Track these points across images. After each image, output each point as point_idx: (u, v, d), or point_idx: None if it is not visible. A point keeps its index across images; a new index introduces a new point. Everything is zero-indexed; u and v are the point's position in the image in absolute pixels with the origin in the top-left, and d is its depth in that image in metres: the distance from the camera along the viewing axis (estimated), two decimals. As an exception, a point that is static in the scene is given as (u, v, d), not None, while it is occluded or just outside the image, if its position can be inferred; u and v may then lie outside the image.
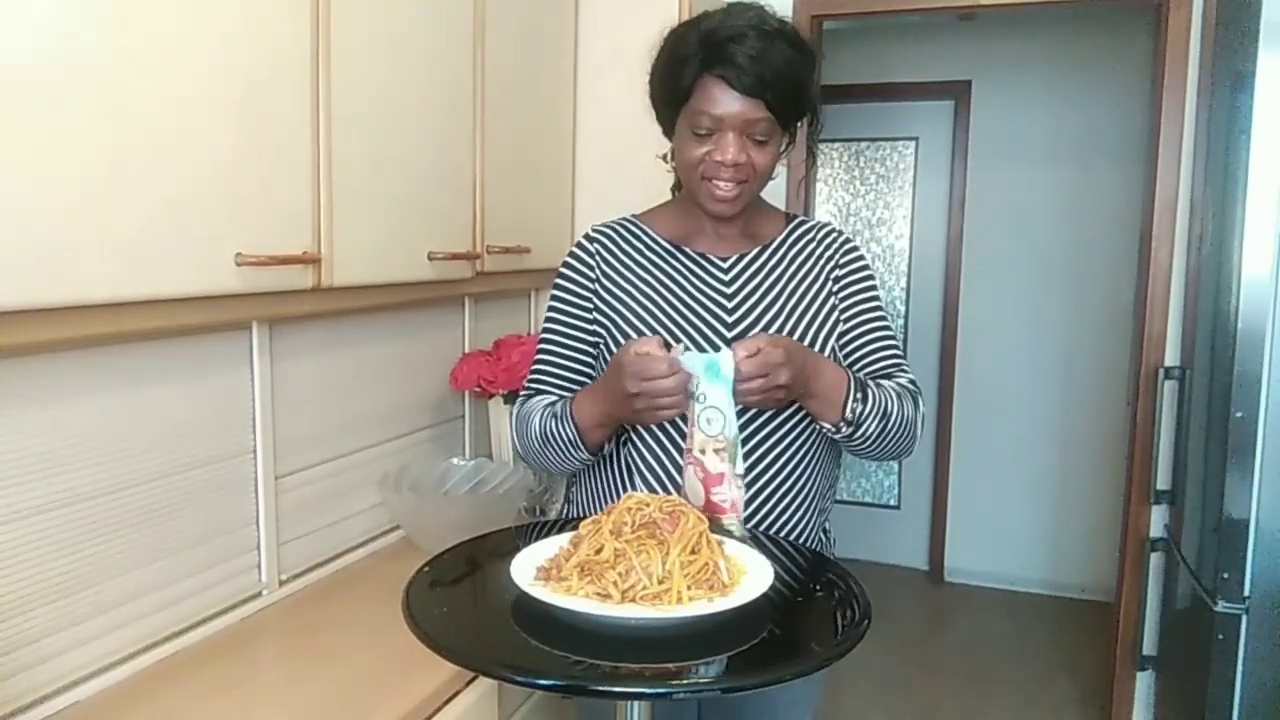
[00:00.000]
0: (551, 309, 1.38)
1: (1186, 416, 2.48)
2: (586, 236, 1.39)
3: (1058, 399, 4.16)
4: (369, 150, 1.44)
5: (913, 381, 1.34)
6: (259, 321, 1.48)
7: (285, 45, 1.25)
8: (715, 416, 1.08)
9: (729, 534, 1.10)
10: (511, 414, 1.36)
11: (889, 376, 1.33)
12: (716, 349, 1.25)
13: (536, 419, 1.29)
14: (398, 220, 1.53)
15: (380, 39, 1.45)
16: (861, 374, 1.32)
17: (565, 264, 1.38)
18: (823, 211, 4.47)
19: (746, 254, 1.35)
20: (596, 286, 1.34)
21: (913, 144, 4.33)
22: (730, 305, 1.30)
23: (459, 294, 1.85)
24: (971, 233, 4.20)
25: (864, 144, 4.38)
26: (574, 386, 1.33)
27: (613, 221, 1.40)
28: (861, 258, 1.41)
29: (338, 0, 1.33)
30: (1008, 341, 4.20)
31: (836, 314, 1.34)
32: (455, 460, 1.93)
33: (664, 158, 1.38)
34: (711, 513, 1.11)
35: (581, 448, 1.25)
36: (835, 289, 1.36)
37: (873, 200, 4.43)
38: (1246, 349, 1.96)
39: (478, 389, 1.97)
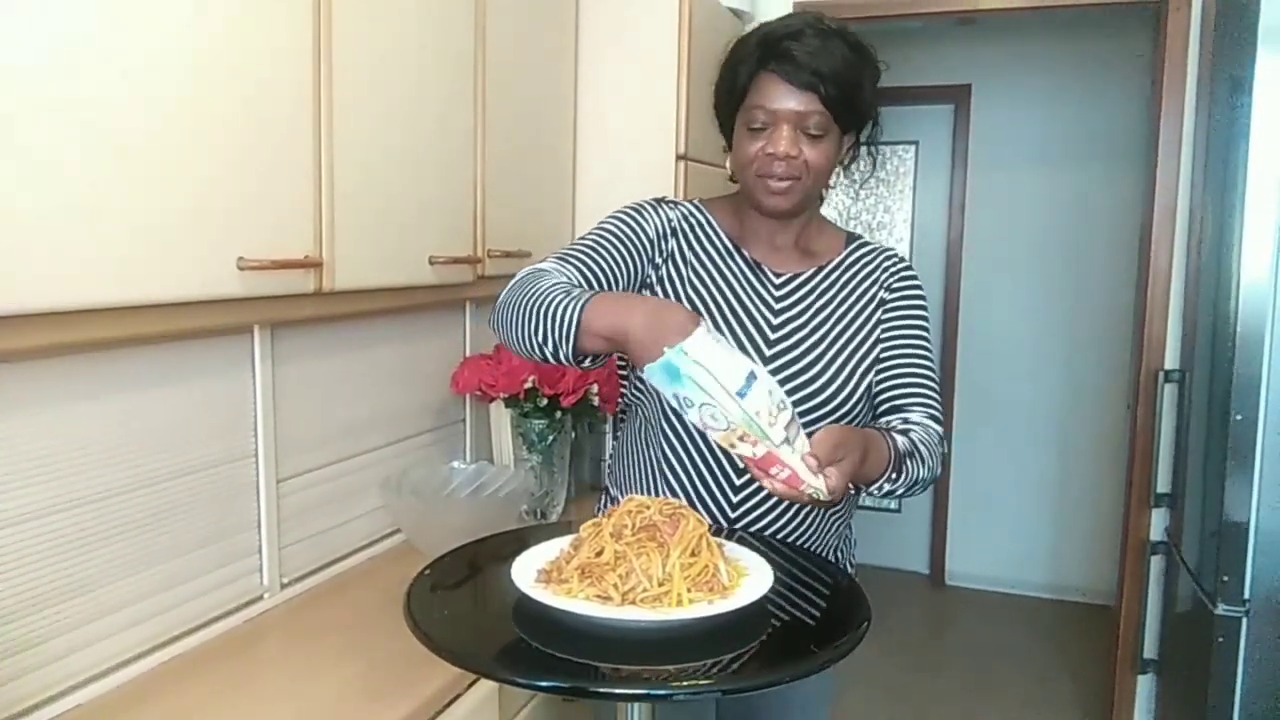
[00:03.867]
0: (622, 221, 1.30)
1: (1186, 419, 2.49)
2: (666, 202, 1.35)
3: (1058, 402, 4.16)
4: (370, 154, 1.44)
5: (939, 422, 1.29)
6: (260, 325, 1.49)
7: (286, 51, 1.25)
8: (715, 412, 0.95)
9: (815, 500, 1.00)
10: (517, 274, 1.17)
11: (912, 410, 1.27)
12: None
13: (547, 282, 1.12)
14: (399, 224, 1.53)
15: (381, 44, 1.45)
16: (888, 402, 1.28)
17: (647, 209, 1.32)
18: (824, 214, 4.47)
19: (801, 274, 1.33)
20: (667, 258, 1.31)
21: (913, 148, 4.34)
22: (776, 322, 1.29)
23: (460, 298, 1.86)
24: (972, 236, 4.21)
25: (864, 147, 4.38)
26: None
27: (683, 202, 1.37)
28: (915, 284, 1.37)
29: (339, 5, 1.33)
30: (1008, 345, 4.21)
31: (878, 348, 1.31)
32: (456, 464, 1.93)
33: (726, 167, 1.33)
34: (793, 489, 1.00)
35: (568, 341, 1.05)
36: (882, 315, 1.33)
37: (873, 204, 4.44)
38: (1246, 352, 1.96)
39: (479, 393, 1.97)
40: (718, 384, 0.94)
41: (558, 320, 1.05)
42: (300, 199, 1.30)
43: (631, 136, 2.20)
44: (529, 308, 1.09)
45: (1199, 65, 2.52)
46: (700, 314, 1.22)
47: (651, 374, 0.97)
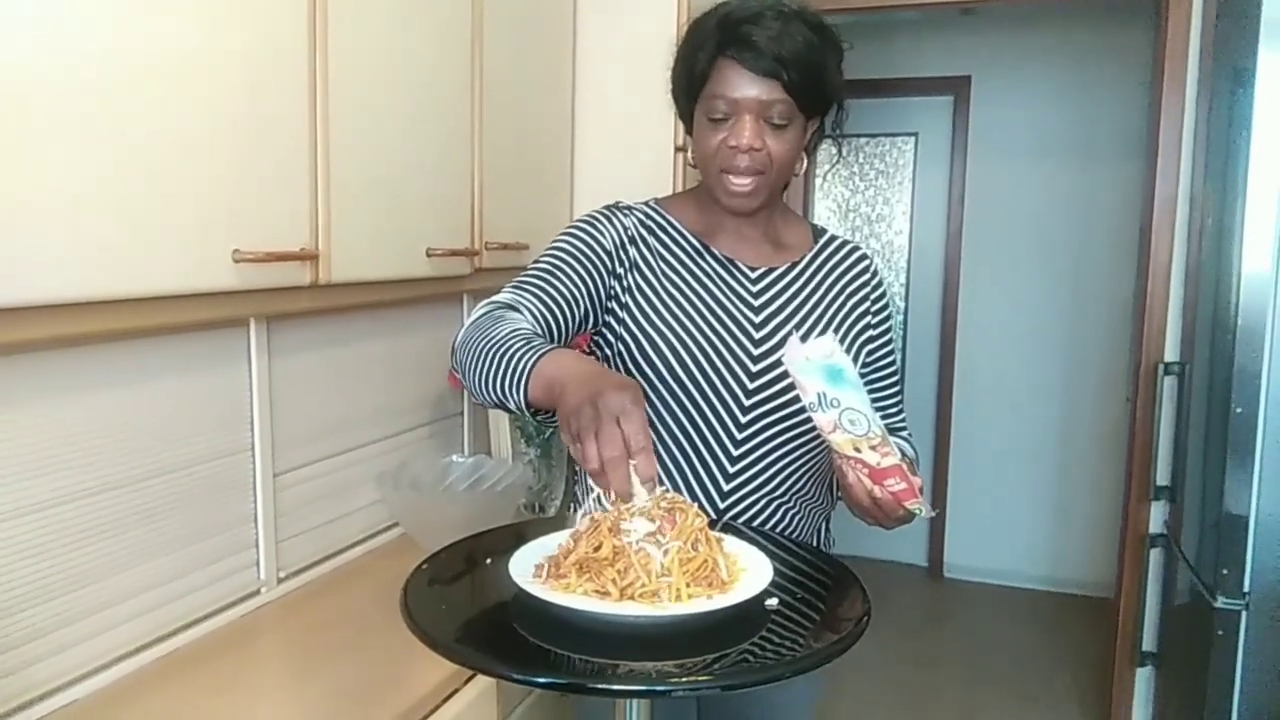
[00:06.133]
0: (576, 237, 1.25)
1: (1186, 412, 2.48)
2: (620, 209, 1.30)
3: (1057, 394, 4.16)
4: (367, 147, 1.43)
5: (910, 437, 1.36)
6: (257, 318, 1.48)
7: (283, 43, 1.24)
8: (857, 418, 0.99)
9: (913, 516, 1.06)
10: (474, 308, 1.17)
11: (899, 434, 1.33)
12: (740, 364, 1.23)
13: (507, 327, 1.09)
14: (396, 217, 1.53)
15: (378, 36, 1.44)
16: None
17: (600, 220, 1.28)
18: (821, 207, 4.47)
19: (775, 269, 1.30)
20: (628, 267, 1.26)
21: (912, 139, 4.33)
22: (758, 321, 1.26)
23: (457, 290, 1.85)
24: (971, 228, 4.20)
25: (863, 139, 4.38)
26: (549, 320, 1.19)
27: (637, 205, 1.33)
28: (886, 293, 1.40)
29: (335, -4, 1.33)
30: (1007, 337, 4.20)
31: (860, 359, 1.32)
32: (454, 457, 1.93)
33: (688, 157, 1.31)
34: (899, 502, 1.05)
35: (518, 390, 1.01)
36: (870, 334, 1.34)
37: (872, 196, 4.43)
38: (1246, 344, 1.96)
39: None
40: (863, 395, 1.00)
41: (513, 367, 1.02)
42: (297, 191, 1.30)
43: (629, 128, 2.19)
44: (487, 352, 1.06)
45: (1200, 57, 2.51)
46: (681, 336, 1.23)
47: (805, 370, 0.99)
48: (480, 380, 1.06)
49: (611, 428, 0.86)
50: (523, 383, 1.00)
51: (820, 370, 0.98)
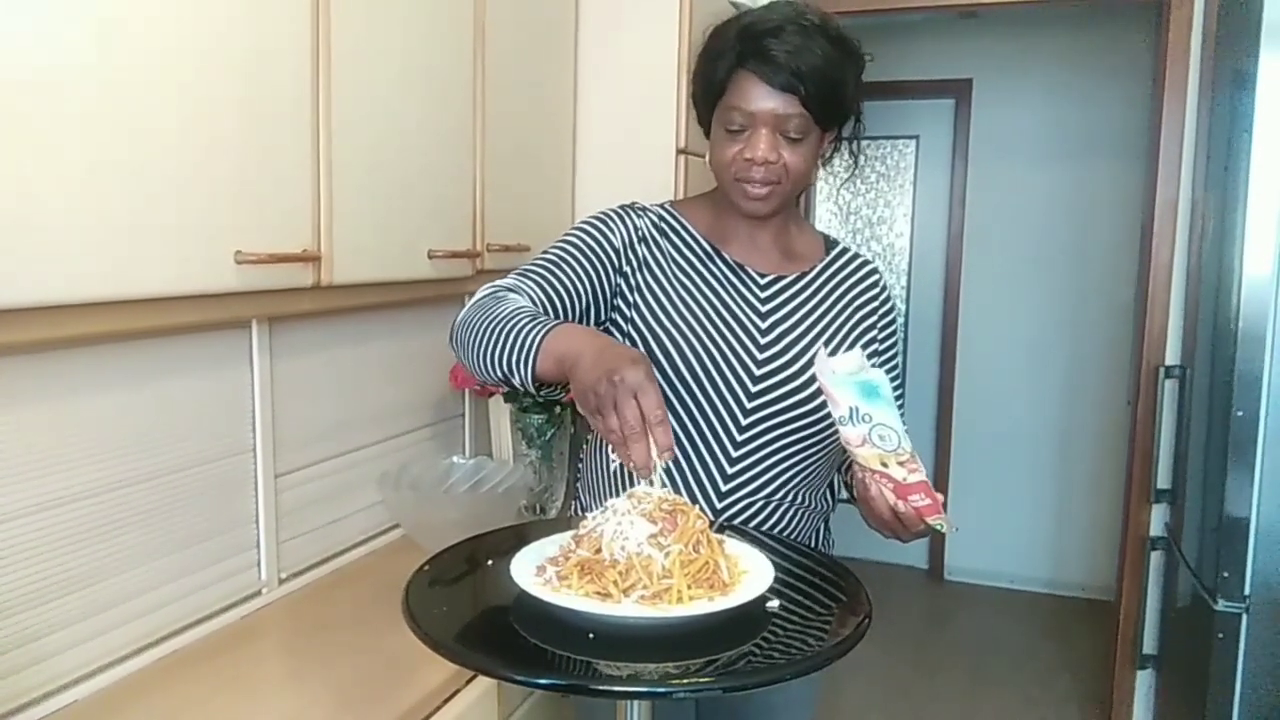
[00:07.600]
0: (585, 233, 1.27)
1: (1187, 415, 2.48)
2: (635, 209, 1.31)
3: (1058, 397, 4.16)
4: (369, 148, 1.44)
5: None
6: (259, 320, 1.48)
7: (284, 43, 1.25)
8: (888, 433, 1.00)
9: (933, 531, 1.07)
10: (475, 293, 1.20)
11: None
12: (745, 368, 1.24)
13: (511, 305, 1.11)
14: (398, 218, 1.53)
15: (381, 38, 1.44)
16: None
17: (613, 217, 1.29)
18: (823, 210, 4.47)
19: (785, 277, 1.31)
20: (636, 266, 1.27)
21: (913, 142, 4.33)
22: (764, 326, 1.27)
23: (459, 292, 1.85)
24: (972, 231, 4.20)
25: (864, 142, 4.36)
26: (549, 309, 1.20)
27: (653, 206, 1.34)
28: (894, 309, 1.40)
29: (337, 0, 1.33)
30: (1008, 340, 4.20)
31: None
32: (455, 458, 1.93)
33: (705, 162, 1.31)
34: (921, 518, 1.05)
35: (526, 364, 1.04)
36: (873, 344, 1.34)
37: (873, 199, 4.43)
38: (1247, 348, 1.96)
39: (477, 387, 1.97)
40: (895, 411, 1.00)
41: (520, 342, 1.05)
42: (299, 192, 1.30)
43: (632, 129, 2.19)
44: (491, 329, 1.09)
45: (1201, 59, 2.52)
46: (686, 337, 1.23)
47: (837, 383, 0.99)
48: (484, 356, 1.08)
49: (629, 402, 0.90)
50: (531, 357, 1.03)
51: (854, 385, 0.99)
